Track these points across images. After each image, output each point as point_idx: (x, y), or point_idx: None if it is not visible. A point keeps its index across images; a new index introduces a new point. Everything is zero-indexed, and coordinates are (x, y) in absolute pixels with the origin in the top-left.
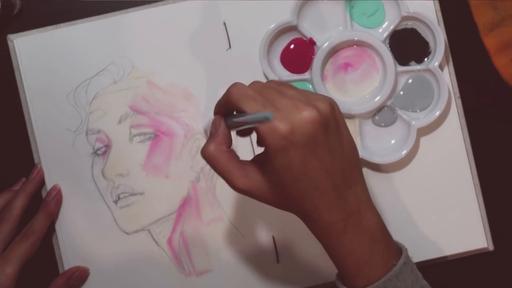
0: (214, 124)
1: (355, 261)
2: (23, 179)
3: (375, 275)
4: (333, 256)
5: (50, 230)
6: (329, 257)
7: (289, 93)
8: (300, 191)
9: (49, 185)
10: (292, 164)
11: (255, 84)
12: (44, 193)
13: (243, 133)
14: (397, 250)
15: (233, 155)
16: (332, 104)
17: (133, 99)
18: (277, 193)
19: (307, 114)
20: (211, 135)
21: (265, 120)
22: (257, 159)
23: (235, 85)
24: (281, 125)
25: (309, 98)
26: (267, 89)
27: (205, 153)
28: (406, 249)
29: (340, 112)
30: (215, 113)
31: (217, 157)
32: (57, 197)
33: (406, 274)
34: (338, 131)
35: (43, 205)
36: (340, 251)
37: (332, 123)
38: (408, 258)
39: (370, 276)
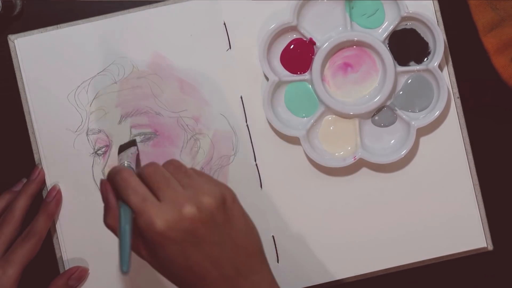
0: (102, 191)
1: None
2: (24, 180)
3: None
4: None
5: (51, 230)
6: None
7: (181, 182)
8: (188, 282)
9: (49, 185)
10: (173, 258)
11: (149, 168)
12: (45, 194)
13: None
14: None
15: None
16: (222, 197)
17: (134, 99)
18: (170, 277)
19: (186, 211)
20: (108, 207)
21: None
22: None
23: (120, 171)
24: (157, 221)
25: (197, 191)
26: (157, 176)
27: (106, 225)
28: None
29: (234, 202)
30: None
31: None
32: (56, 197)
33: None
34: (228, 222)
35: (43, 206)
36: None
37: (219, 217)
38: None
39: None
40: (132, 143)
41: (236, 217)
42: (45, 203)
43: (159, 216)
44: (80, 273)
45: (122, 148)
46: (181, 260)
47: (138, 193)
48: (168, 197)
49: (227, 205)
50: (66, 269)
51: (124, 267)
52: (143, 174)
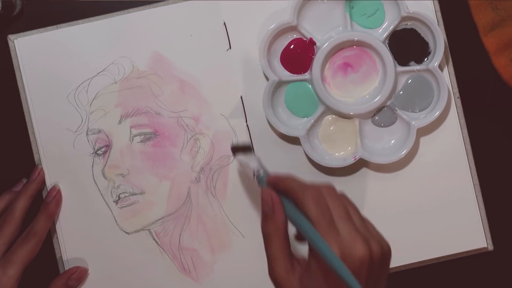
0: (264, 199)
1: None
2: (24, 180)
3: None
4: None
5: (51, 230)
6: None
7: (354, 218)
8: None
9: (49, 185)
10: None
11: (330, 191)
12: (45, 194)
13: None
14: None
15: (287, 243)
16: (385, 251)
17: (134, 99)
18: None
19: (360, 251)
20: (267, 213)
21: (348, 283)
22: (303, 263)
23: (313, 189)
24: (334, 249)
25: (369, 233)
26: (338, 205)
27: (263, 233)
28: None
29: (388, 260)
30: (273, 182)
31: (273, 241)
32: (56, 197)
33: None
34: (380, 276)
35: (43, 206)
36: None
37: (377, 268)
38: None
39: None
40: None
41: (384, 275)
42: (45, 203)
43: (336, 247)
44: (80, 273)
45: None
46: None
47: (327, 215)
48: (347, 231)
49: (386, 258)
50: (66, 269)
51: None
52: (324, 194)
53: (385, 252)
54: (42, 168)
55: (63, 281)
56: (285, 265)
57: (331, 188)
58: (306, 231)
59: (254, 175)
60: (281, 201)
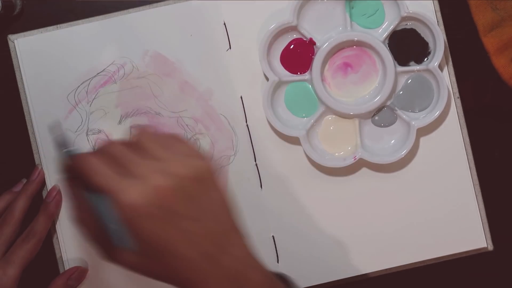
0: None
1: None
2: (24, 180)
3: None
4: None
5: (51, 231)
6: None
7: (155, 154)
8: (167, 263)
9: (49, 185)
10: (147, 237)
11: (110, 147)
12: (45, 194)
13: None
14: None
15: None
16: (196, 168)
17: (134, 100)
18: (148, 265)
19: (152, 182)
20: (74, 201)
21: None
22: None
23: (74, 159)
24: (123, 196)
25: (167, 162)
26: (125, 155)
27: (77, 221)
28: (292, 281)
29: (210, 173)
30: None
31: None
32: (56, 197)
33: None
34: (205, 195)
35: (43, 206)
36: None
37: (194, 189)
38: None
39: None
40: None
41: (214, 189)
42: (45, 204)
43: (125, 191)
44: (80, 273)
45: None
46: (157, 239)
47: (100, 174)
48: (140, 172)
49: (202, 177)
50: (65, 269)
51: (130, 244)
52: (106, 154)
53: (198, 168)
54: (42, 168)
55: (63, 281)
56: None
57: (110, 145)
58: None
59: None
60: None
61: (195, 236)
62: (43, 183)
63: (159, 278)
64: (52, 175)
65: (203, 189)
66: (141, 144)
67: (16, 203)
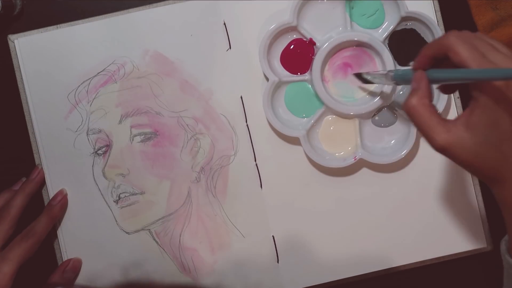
0: (416, 79)
1: None
2: (23, 179)
3: None
4: None
5: (51, 231)
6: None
7: (501, 49)
8: (503, 152)
9: (49, 184)
10: (502, 120)
11: (466, 32)
12: (44, 194)
13: (447, 89)
14: None
15: (435, 110)
16: None
17: (134, 99)
18: (478, 153)
19: None
20: (413, 89)
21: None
22: (459, 117)
23: (452, 32)
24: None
25: None
26: (481, 42)
27: (407, 107)
28: None
29: None
30: (417, 63)
31: (419, 111)
32: (62, 201)
33: None
34: None
35: (47, 208)
36: None
37: None
38: None
39: None
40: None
41: None
42: (49, 206)
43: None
44: (74, 264)
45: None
46: (509, 124)
47: (476, 50)
48: (501, 60)
49: None
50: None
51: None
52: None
53: None
54: (42, 168)
55: (59, 275)
56: (443, 127)
57: (467, 33)
58: (465, 74)
59: (389, 79)
60: (426, 76)
61: None
62: (42, 183)
63: (484, 169)
64: (52, 175)
65: None
66: (486, 40)
67: (13, 200)
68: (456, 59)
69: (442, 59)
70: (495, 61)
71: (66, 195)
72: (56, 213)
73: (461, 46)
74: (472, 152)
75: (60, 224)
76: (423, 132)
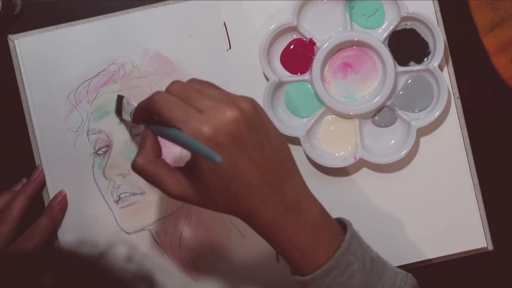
0: (141, 135)
1: (302, 253)
2: (24, 180)
3: (323, 262)
4: (280, 251)
5: (51, 231)
6: (277, 252)
7: (211, 93)
8: (234, 191)
9: (50, 185)
10: (222, 166)
11: (175, 84)
12: (45, 195)
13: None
14: (342, 230)
15: (162, 163)
16: (253, 102)
17: (134, 99)
18: (212, 197)
19: (230, 114)
20: (139, 147)
21: (210, 159)
22: (187, 165)
23: (157, 93)
24: (205, 128)
25: (230, 98)
26: (188, 91)
27: (134, 167)
28: (351, 223)
29: (262, 109)
30: (134, 119)
31: (146, 169)
32: (62, 202)
33: (355, 248)
34: (263, 127)
35: (47, 210)
36: (285, 245)
37: (256, 120)
38: (353, 232)
39: (320, 263)
40: (119, 98)
41: (268, 122)
42: (49, 207)
43: (205, 123)
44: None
45: (119, 107)
46: (229, 166)
47: (180, 106)
48: (208, 105)
49: (260, 110)
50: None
51: (217, 157)
52: (172, 92)
53: (254, 103)
54: (42, 169)
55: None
56: (173, 178)
57: (175, 82)
58: (171, 135)
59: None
60: (150, 132)
61: (260, 164)
62: (43, 184)
63: (222, 209)
64: (52, 175)
65: (262, 121)
66: (195, 86)
67: (15, 202)
68: (165, 122)
69: None
70: (202, 109)
71: (65, 196)
72: (56, 214)
73: (165, 109)
74: (205, 198)
75: (60, 225)
76: (157, 186)
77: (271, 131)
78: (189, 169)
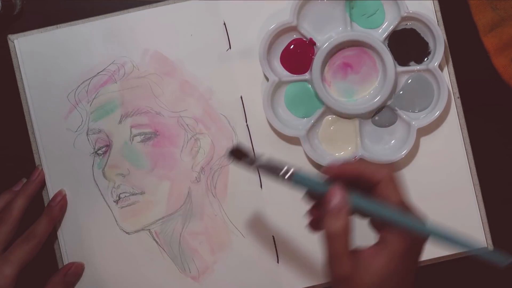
0: (338, 196)
1: None
2: (24, 180)
3: None
4: None
5: (51, 231)
6: None
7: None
8: None
9: (49, 184)
10: (398, 270)
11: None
12: (44, 195)
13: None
14: None
15: (351, 239)
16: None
17: (134, 99)
18: None
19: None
20: (336, 208)
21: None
22: (367, 253)
23: (389, 168)
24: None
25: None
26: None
27: (330, 231)
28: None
29: None
30: (330, 173)
31: (341, 240)
32: (61, 202)
33: None
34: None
35: (47, 210)
36: None
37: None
38: None
39: None
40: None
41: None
42: (49, 207)
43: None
44: (76, 268)
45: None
46: (399, 275)
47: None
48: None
49: None
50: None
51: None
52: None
53: None
54: (42, 169)
55: (60, 277)
56: (347, 262)
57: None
58: (391, 218)
59: (282, 174)
60: (347, 196)
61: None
62: (42, 184)
63: None
64: (52, 175)
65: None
66: None
67: (15, 202)
68: (383, 199)
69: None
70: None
71: (65, 195)
72: (56, 214)
73: (393, 190)
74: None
75: (60, 225)
76: (330, 257)
77: None
78: (367, 259)
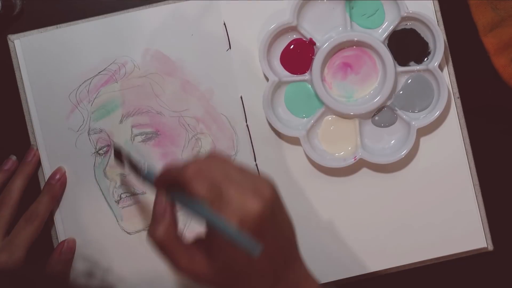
0: (159, 202)
1: None
2: (13, 157)
3: None
4: None
5: (51, 230)
6: None
7: (235, 178)
8: (244, 279)
9: (45, 167)
10: (239, 256)
11: (205, 164)
12: (40, 175)
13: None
14: None
15: (181, 241)
16: (274, 188)
17: (135, 99)
18: (220, 280)
19: (256, 207)
20: (157, 215)
21: (247, 249)
22: (202, 243)
23: (192, 164)
24: (231, 221)
25: (255, 183)
26: (215, 172)
27: (153, 238)
28: None
29: (279, 193)
30: (157, 183)
31: (166, 245)
32: (62, 179)
33: None
34: (280, 214)
35: (47, 187)
36: None
37: (276, 208)
38: None
39: None
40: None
41: (283, 207)
42: (49, 185)
43: (232, 216)
44: (69, 244)
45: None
46: (245, 260)
47: (211, 190)
48: (234, 195)
49: (278, 196)
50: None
51: (257, 250)
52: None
53: (274, 188)
54: (37, 149)
55: (56, 257)
56: (188, 256)
57: (206, 163)
58: (202, 215)
59: (139, 174)
60: (170, 203)
61: (274, 253)
62: (39, 164)
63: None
64: (50, 157)
65: (279, 209)
66: (219, 167)
67: (14, 184)
68: (194, 196)
69: None
70: (228, 199)
71: (64, 172)
72: (57, 191)
73: (198, 187)
74: (214, 280)
75: (60, 224)
76: (169, 262)
77: (285, 216)
78: (205, 249)
